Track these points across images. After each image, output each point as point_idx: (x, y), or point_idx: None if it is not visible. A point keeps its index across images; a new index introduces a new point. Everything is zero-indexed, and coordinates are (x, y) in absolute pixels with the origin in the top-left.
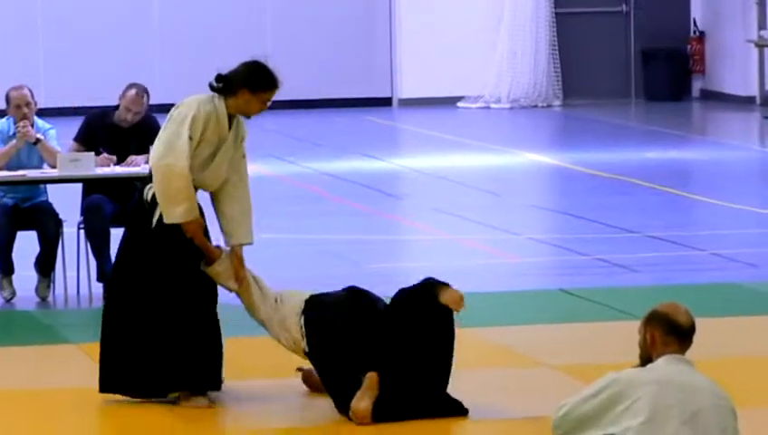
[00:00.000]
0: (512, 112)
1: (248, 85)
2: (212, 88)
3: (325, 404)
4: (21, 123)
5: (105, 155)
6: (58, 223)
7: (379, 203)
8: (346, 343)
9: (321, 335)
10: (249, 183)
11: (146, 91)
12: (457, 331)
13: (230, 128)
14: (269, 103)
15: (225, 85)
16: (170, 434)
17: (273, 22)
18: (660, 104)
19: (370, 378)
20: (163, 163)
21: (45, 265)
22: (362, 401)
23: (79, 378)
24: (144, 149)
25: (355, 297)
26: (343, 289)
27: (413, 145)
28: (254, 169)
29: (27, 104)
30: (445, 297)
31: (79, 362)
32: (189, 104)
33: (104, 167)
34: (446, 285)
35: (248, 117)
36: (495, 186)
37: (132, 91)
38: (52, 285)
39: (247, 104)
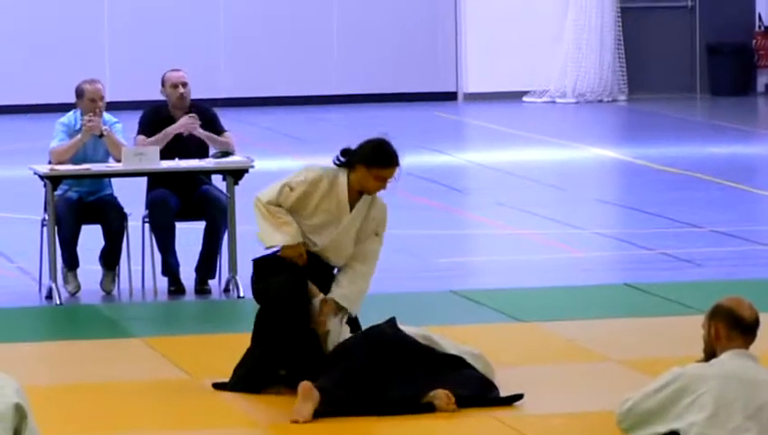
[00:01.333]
0: (577, 107)
1: (364, 161)
2: (335, 162)
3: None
4: (86, 117)
5: (189, 116)
6: (122, 217)
7: (445, 197)
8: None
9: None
10: (374, 261)
11: (182, 69)
12: (523, 325)
13: (354, 203)
14: (388, 181)
15: (348, 160)
16: (246, 423)
17: (339, 17)
18: (725, 99)
19: (303, 387)
20: (255, 198)
21: (110, 258)
22: (303, 410)
23: (144, 371)
24: (204, 146)
25: (372, 346)
26: (363, 337)
27: (478, 139)
28: (321, 163)
29: (101, 98)
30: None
31: (144, 356)
32: (312, 165)
33: (190, 128)
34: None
35: (369, 193)
36: (560, 180)
37: (168, 71)
38: (116, 278)
39: (364, 180)
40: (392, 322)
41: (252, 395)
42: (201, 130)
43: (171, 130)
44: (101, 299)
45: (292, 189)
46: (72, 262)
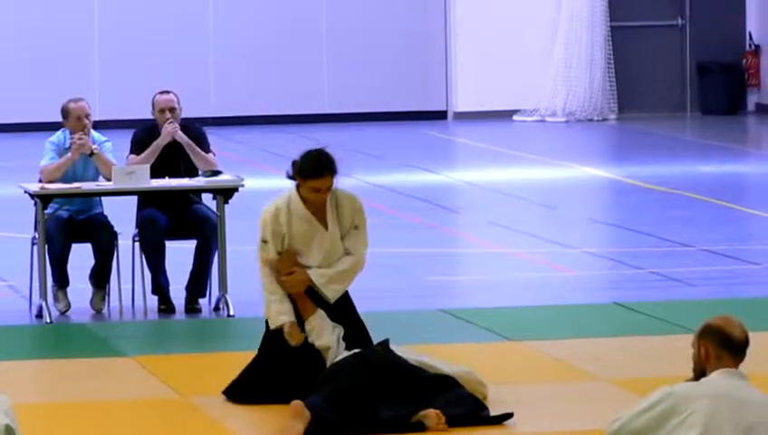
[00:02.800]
0: (567, 126)
1: (299, 173)
2: (287, 176)
3: None
4: (77, 135)
5: (169, 123)
6: (113, 235)
7: (435, 216)
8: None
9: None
10: (356, 253)
11: (174, 92)
12: (512, 344)
13: (323, 216)
14: (323, 191)
15: (292, 174)
16: None
17: (329, 35)
18: (715, 118)
19: (294, 406)
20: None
21: (100, 277)
22: (293, 429)
23: (134, 390)
24: (193, 165)
25: (363, 369)
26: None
27: (468, 158)
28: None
29: (87, 116)
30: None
31: (134, 375)
32: (267, 206)
33: (173, 132)
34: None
35: (315, 203)
36: (551, 199)
37: (157, 94)
38: (107, 297)
39: (304, 192)
40: (385, 343)
41: (242, 413)
42: (182, 135)
43: (159, 143)
44: (91, 318)
45: (266, 242)
46: (61, 280)
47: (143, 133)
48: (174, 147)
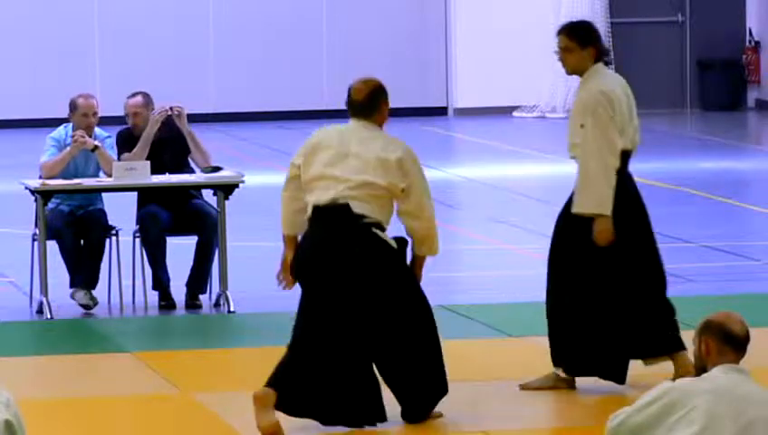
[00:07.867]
0: (567, 122)
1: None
2: None
3: None
4: (79, 132)
5: (155, 113)
6: (104, 232)
7: (436, 212)
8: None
9: None
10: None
11: (144, 94)
12: (513, 340)
13: None
14: None
15: None
16: None
17: (329, 32)
18: (716, 114)
19: (257, 397)
20: None
21: (88, 274)
22: (263, 419)
23: (134, 386)
24: (179, 161)
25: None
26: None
27: (469, 154)
28: None
29: (94, 114)
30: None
31: (134, 370)
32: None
33: (163, 117)
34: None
35: None
36: (551, 195)
37: (128, 99)
38: (98, 295)
39: None
40: None
41: (242, 409)
42: (186, 123)
43: (149, 131)
44: (93, 313)
45: None
46: (86, 277)
47: (126, 132)
48: (160, 142)
